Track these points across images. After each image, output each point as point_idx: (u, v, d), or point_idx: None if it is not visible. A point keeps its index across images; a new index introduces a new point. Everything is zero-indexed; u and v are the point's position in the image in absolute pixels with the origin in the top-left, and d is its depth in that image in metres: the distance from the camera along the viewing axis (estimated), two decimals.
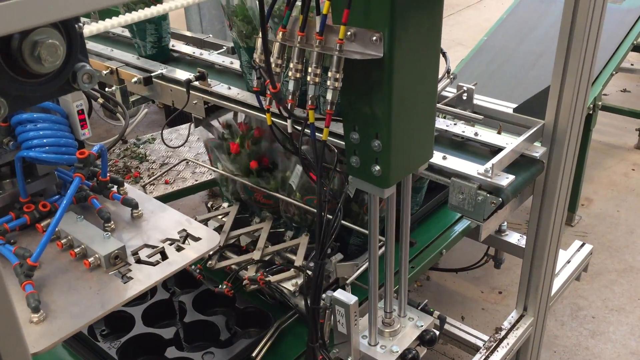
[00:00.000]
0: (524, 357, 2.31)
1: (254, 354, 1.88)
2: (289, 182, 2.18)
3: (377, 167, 1.42)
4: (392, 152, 1.39)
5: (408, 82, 1.35)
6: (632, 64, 4.77)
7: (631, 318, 3.04)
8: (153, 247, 1.34)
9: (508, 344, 2.13)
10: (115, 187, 1.49)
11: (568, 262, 2.54)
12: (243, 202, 2.42)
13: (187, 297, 2.07)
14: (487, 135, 1.95)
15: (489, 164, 1.75)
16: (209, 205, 2.59)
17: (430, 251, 2.44)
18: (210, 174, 3.14)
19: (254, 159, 2.25)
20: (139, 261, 1.30)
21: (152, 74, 2.45)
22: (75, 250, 1.27)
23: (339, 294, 1.65)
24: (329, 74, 1.32)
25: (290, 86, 1.40)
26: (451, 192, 1.82)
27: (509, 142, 1.88)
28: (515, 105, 2.12)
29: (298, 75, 1.39)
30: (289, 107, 1.39)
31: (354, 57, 1.28)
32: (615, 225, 3.72)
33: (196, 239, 1.37)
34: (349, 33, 1.28)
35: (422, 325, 1.86)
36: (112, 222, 1.38)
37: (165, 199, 3.01)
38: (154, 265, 1.29)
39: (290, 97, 1.40)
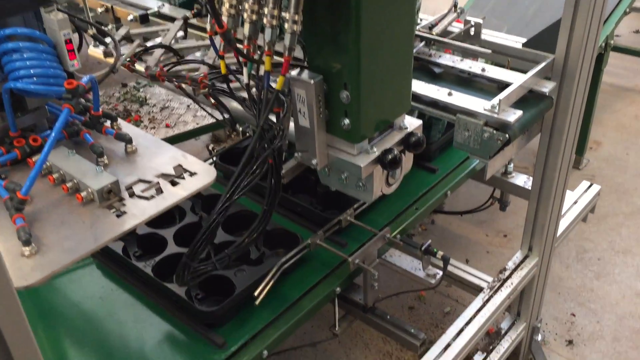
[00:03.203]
0: (528, 297, 2.30)
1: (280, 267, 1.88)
2: None
3: (347, 121, 1.32)
4: (362, 104, 1.29)
5: (379, 23, 1.24)
6: None
7: (637, 260, 3.02)
8: (147, 182, 1.30)
9: (512, 283, 2.11)
10: (109, 122, 1.44)
11: (575, 202, 2.50)
12: None
13: None
14: (495, 71, 1.88)
15: (495, 100, 1.69)
16: (210, 148, 2.54)
17: (451, 178, 2.41)
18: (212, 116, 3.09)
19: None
20: (133, 196, 1.26)
21: (149, 11, 2.38)
22: (68, 185, 1.24)
23: (298, 73, 1.33)
24: (287, 15, 1.20)
25: (246, 30, 1.27)
26: (456, 130, 1.76)
27: (517, 78, 1.81)
28: (524, 40, 2.04)
29: (254, 17, 1.26)
30: (244, 52, 1.25)
31: None
32: (624, 168, 3.67)
33: (192, 174, 1.33)
34: None
35: (406, 128, 1.49)
36: (105, 157, 1.34)
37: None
38: (149, 199, 1.26)
39: (246, 42, 1.27)
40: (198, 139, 3.66)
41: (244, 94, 1.40)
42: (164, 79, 1.74)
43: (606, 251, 3.09)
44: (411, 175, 2.39)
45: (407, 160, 1.53)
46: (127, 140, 1.39)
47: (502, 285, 2.10)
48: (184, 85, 1.73)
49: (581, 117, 1.97)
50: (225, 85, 1.47)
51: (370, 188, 1.43)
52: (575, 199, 2.51)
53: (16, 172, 1.29)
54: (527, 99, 1.82)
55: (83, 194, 1.22)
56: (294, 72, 1.32)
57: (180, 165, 1.35)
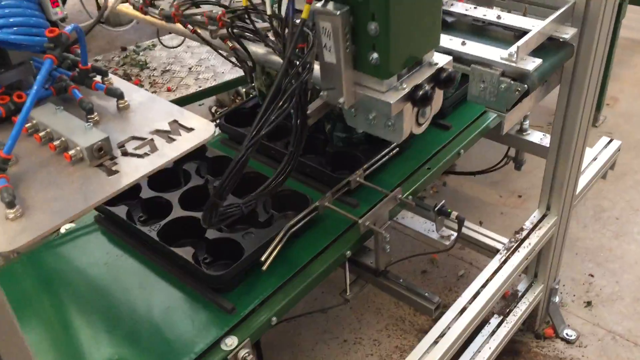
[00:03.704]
0: (546, 258, 2.22)
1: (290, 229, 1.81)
2: None
3: (375, 55, 1.23)
4: (391, 36, 1.20)
5: None
6: None
7: None
8: (141, 139, 1.22)
9: (530, 244, 2.03)
10: (99, 77, 1.35)
11: (594, 159, 2.40)
12: None
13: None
14: (511, 18, 1.77)
15: (513, 48, 1.58)
16: (213, 110, 2.45)
17: (464, 136, 2.30)
18: (215, 79, 2.99)
19: None
20: (125, 154, 1.18)
21: None
22: (55, 143, 1.16)
23: (323, 5, 1.23)
24: None
25: None
26: (471, 81, 1.66)
27: (535, 24, 1.70)
28: None
29: None
30: None
31: None
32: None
33: (189, 130, 1.24)
34: None
35: (436, 64, 1.38)
36: (96, 114, 1.25)
37: None
38: (142, 157, 1.17)
39: None
40: (202, 104, 3.57)
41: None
42: (179, 19, 1.61)
43: (625, 210, 3.00)
44: (422, 133, 2.32)
45: (437, 98, 1.42)
46: (119, 95, 1.30)
47: (519, 245, 2.02)
48: (199, 31, 1.62)
49: (603, 66, 1.86)
50: (244, 25, 1.39)
51: (399, 127, 1.33)
52: (595, 155, 2.41)
53: (1, 131, 1.21)
54: (546, 48, 1.71)
55: (71, 152, 1.14)
56: (318, 4, 1.23)
57: (176, 121, 1.26)
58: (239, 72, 2.98)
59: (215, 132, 2.35)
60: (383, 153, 2.10)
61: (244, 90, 2.51)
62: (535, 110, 2.39)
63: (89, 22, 1.31)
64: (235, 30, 1.45)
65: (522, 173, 3.21)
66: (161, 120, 1.26)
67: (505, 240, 2.19)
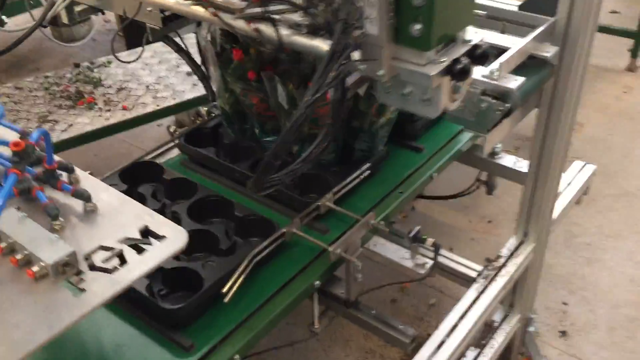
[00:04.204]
0: (522, 287, 2.12)
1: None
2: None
3: (417, 26, 1.20)
4: (436, 6, 1.17)
5: None
6: None
7: (628, 244, 2.88)
8: (109, 249, 1.11)
9: (508, 272, 1.93)
10: (65, 174, 1.26)
11: (569, 184, 2.33)
12: (240, 116, 2.15)
13: (181, 207, 1.86)
14: (489, 35, 1.68)
15: (495, 64, 1.50)
16: (171, 130, 2.29)
17: (437, 159, 2.21)
18: (174, 97, 2.84)
19: (256, 69, 1.95)
20: (92, 267, 1.08)
21: None
22: (17, 257, 1.05)
23: None
24: None
25: None
26: None
27: (516, 42, 1.62)
28: (519, 3, 1.85)
29: None
30: None
31: None
32: (608, 149, 3.53)
33: (160, 238, 1.15)
34: None
35: (471, 40, 1.35)
36: (61, 220, 1.15)
37: (123, 126, 2.72)
38: (111, 272, 1.08)
39: None
40: (160, 125, 3.41)
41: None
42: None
43: (595, 235, 2.95)
44: (394, 155, 2.22)
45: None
46: (86, 198, 1.21)
47: (497, 274, 1.91)
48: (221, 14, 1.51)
49: (582, 87, 1.79)
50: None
51: (436, 101, 1.29)
52: (569, 180, 2.34)
53: None
54: (526, 67, 1.63)
55: (35, 268, 1.03)
56: None
57: (146, 227, 1.16)
58: (199, 91, 2.84)
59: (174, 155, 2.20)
60: (354, 176, 1.98)
61: (205, 109, 2.37)
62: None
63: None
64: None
65: (491, 198, 3.14)
66: (131, 225, 1.16)
67: (479, 267, 2.09)
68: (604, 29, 4.18)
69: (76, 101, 2.82)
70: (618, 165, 3.39)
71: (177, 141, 2.21)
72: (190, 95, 2.84)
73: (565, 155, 1.89)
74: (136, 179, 2.01)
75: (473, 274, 2.18)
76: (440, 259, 2.27)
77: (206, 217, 1.87)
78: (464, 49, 1.31)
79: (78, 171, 1.29)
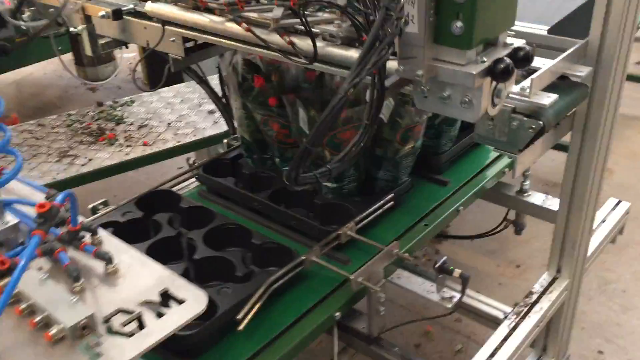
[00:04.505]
0: (556, 328, 1.99)
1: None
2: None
3: (459, 24, 1.17)
4: (478, 2, 1.14)
5: None
6: None
7: None
8: (129, 312, 1.10)
9: (541, 308, 1.80)
10: (88, 234, 1.26)
11: (603, 221, 2.22)
12: (260, 145, 2.10)
13: (197, 234, 1.81)
14: None
15: (526, 82, 1.43)
16: (190, 162, 2.25)
17: (463, 193, 2.13)
18: (195, 134, 2.81)
19: (278, 94, 1.92)
20: (111, 331, 1.07)
21: (123, 8, 2.12)
22: (36, 320, 1.04)
23: None
24: None
25: None
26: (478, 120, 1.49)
27: (546, 62, 1.56)
28: (547, 28, 1.80)
29: None
30: None
31: None
32: (639, 195, 3.41)
33: (179, 302, 1.14)
34: None
35: (512, 44, 1.34)
36: (82, 281, 1.15)
37: (143, 161, 2.69)
38: (129, 337, 1.06)
39: None
40: (181, 168, 3.37)
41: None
42: (243, 6, 1.55)
43: (631, 282, 2.80)
44: (419, 188, 2.14)
45: (510, 82, 1.33)
46: (107, 259, 1.20)
47: (530, 310, 1.79)
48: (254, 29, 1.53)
49: (617, 113, 1.72)
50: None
51: (477, 103, 1.25)
52: (604, 217, 2.24)
53: None
54: (558, 87, 1.56)
55: (53, 331, 1.02)
56: None
57: (166, 291, 1.15)
58: (221, 128, 2.82)
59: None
60: (377, 205, 1.90)
61: (225, 141, 2.33)
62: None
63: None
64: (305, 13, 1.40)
65: (519, 242, 3.03)
66: (151, 288, 1.16)
67: (508, 309, 1.97)
68: (632, 77, 4.12)
69: (97, 137, 2.81)
70: None
71: (195, 171, 2.17)
72: (211, 132, 2.82)
73: (600, 187, 1.80)
74: (153, 208, 1.96)
75: (501, 315, 2.05)
76: (466, 300, 2.15)
77: (223, 245, 1.80)
78: (505, 52, 1.28)
79: (101, 232, 1.29)
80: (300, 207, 1.97)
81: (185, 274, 1.69)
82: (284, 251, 1.75)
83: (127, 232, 1.84)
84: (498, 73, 1.24)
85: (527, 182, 2.40)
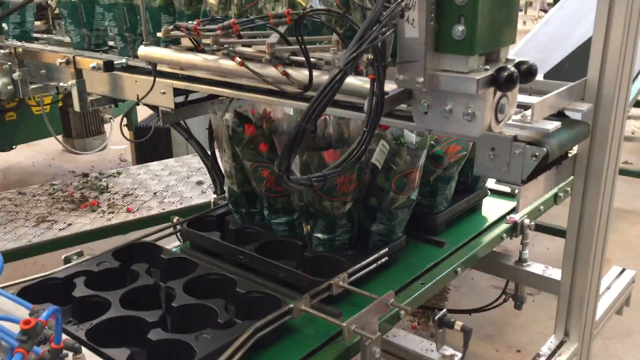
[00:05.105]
0: None
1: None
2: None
3: (460, 28, 1.14)
4: (480, 4, 1.12)
5: None
6: (632, 132, 4.56)
7: None
8: None
9: None
10: (70, 354, 1.19)
11: (608, 288, 2.11)
12: (249, 197, 2.02)
13: (177, 283, 1.68)
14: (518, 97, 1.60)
15: (528, 111, 1.38)
16: (175, 220, 2.14)
17: (461, 254, 2.02)
18: (181, 202, 2.72)
19: (268, 141, 1.87)
20: None
21: (115, 61, 2.12)
22: None
23: None
24: None
25: None
26: (478, 151, 1.42)
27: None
28: (542, 73, 1.79)
29: None
30: None
31: None
32: (638, 285, 3.29)
33: None
34: None
35: (514, 59, 1.30)
36: None
37: (124, 227, 2.57)
38: None
39: None
40: None
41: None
42: (238, 32, 1.54)
43: None
44: (414, 248, 2.03)
45: (512, 101, 1.28)
46: None
47: None
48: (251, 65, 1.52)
49: (619, 154, 1.66)
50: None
51: (480, 115, 1.19)
52: (608, 284, 2.12)
53: None
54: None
55: None
56: None
57: None
58: (208, 197, 2.73)
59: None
60: (371, 259, 1.79)
61: (212, 200, 2.25)
62: None
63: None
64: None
65: (519, 326, 2.87)
66: None
67: None
68: (623, 172, 4.14)
69: (79, 204, 2.71)
70: None
71: (179, 227, 2.06)
72: (198, 200, 2.73)
73: (607, 232, 1.71)
74: (131, 259, 1.83)
75: None
76: None
77: (205, 295, 1.66)
78: (508, 65, 1.23)
79: (85, 352, 1.22)
80: (289, 259, 1.85)
81: (162, 323, 1.55)
82: (271, 300, 1.61)
83: (101, 282, 1.71)
84: (502, 81, 1.19)
85: (526, 252, 2.30)
